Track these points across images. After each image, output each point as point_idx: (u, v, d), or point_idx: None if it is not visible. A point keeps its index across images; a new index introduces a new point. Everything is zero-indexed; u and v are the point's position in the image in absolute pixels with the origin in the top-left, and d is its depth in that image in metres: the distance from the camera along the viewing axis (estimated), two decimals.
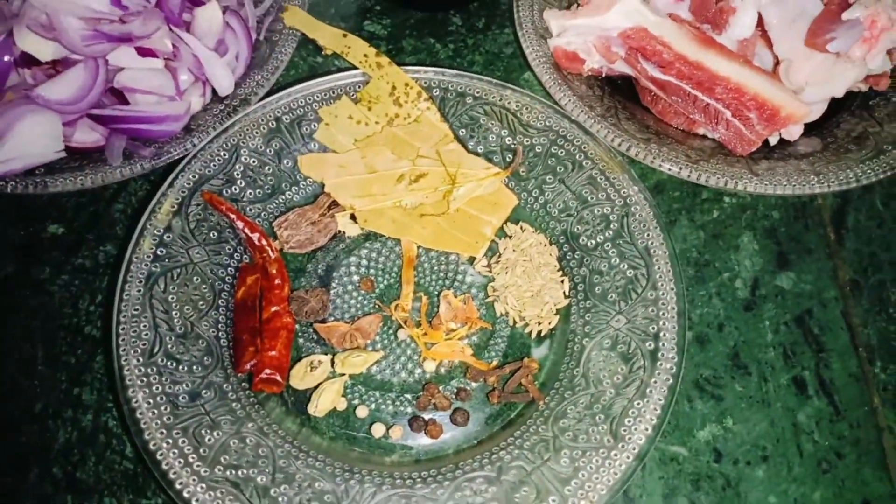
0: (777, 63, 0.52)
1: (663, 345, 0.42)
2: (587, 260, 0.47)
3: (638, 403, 0.41)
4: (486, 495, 0.39)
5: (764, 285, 0.50)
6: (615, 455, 0.39)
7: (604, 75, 0.55)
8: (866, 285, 0.50)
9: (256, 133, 0.49)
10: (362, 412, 0.44)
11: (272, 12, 0.57)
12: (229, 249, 0.47)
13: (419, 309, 0.47)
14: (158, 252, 0.44)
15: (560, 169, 0.49)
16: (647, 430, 0.40)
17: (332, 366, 0.45)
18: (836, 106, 0.54)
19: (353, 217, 0.48)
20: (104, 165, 0.49)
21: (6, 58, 0.48)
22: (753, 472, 0.44)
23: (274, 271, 0.46)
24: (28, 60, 0.48)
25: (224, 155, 0.48)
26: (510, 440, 0.42)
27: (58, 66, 0.49)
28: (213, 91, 0.53)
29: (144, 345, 0.42)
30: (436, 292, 0.48)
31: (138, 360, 0.41)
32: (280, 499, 0.38)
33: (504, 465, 0.40)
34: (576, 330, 0.45)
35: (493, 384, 0.45)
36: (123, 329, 0.42)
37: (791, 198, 0.53)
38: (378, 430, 0.43)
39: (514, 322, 0.47)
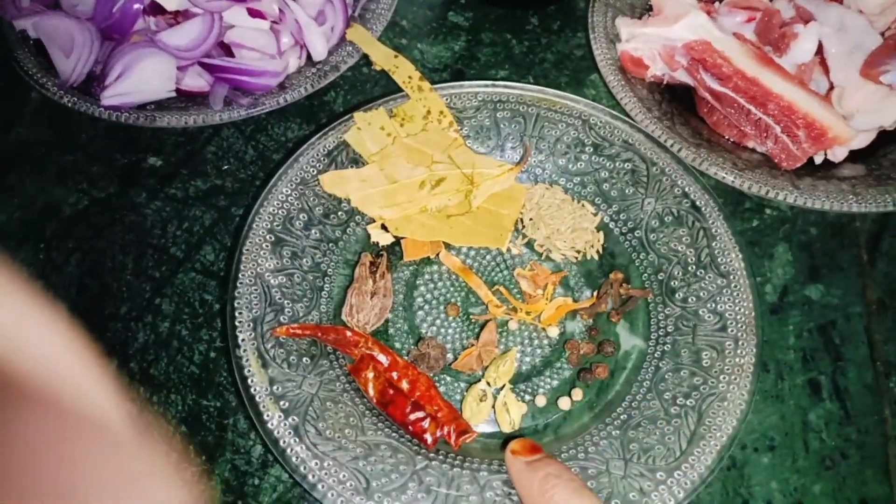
0: (831, 89, 0.55)
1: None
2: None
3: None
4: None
5: (793, 293, 0.53)
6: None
7: (665, 83, 0.59)
8: (892, 305, 0.53)
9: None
10: (541, 400, 0.48)
11: None
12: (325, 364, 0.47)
13: (505, 300, 0.51)
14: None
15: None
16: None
17: (490, 386, 0.48)
18: (885, 138, 0.57)
19: (383, 227, 0.51)
20: (206, 108, 0.55)
21: (136, 6, 0.55)
22: (760, 458, 0.47)
23: (378, 353, 0.46)
24: (154, 9, 0.55)
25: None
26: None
27: (179, 17, 0.55)
28: (308, 55, 0.58)
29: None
30: (503, 280, 0.52)
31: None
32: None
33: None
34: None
35: (603, 310, 0.50)
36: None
37: (830, 217, 0.56)
38: (565, 402, 0.47)
39: (576, 258, 0.52)
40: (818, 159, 0.55)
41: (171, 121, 0.54)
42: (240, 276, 0.46)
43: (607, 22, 0.61)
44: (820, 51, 0.56)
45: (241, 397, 0.45)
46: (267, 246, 0.48)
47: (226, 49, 0.56)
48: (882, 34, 0.56)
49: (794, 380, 0.50)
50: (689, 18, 0.55)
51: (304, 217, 0.50)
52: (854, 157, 0.57)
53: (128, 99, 0.54)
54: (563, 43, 0.67)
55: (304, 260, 0.49)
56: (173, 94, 0.55)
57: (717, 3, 0.60)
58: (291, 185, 0.50)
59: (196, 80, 0.56)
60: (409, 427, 0.44)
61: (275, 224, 0.48)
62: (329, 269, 0.49)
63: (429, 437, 0.44)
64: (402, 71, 0.57)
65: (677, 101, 0.59)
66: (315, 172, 0.51)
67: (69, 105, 0.56)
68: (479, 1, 0.68)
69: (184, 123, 0.55)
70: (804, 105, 0.52)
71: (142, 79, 0.54)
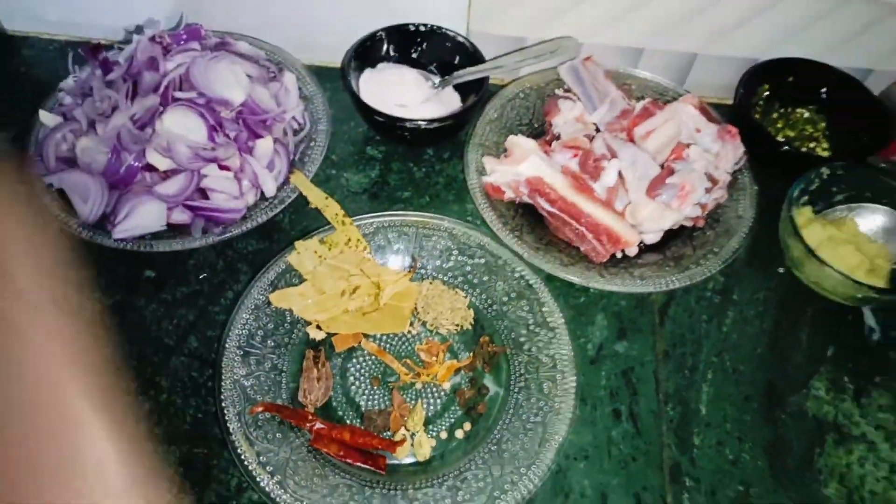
0: (629, 203, 0.80)
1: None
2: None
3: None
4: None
5: (606, 348, 0.77)
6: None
7: (518, 202, 0.83)
8: (673, 354, 0.77)
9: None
10: (443, 434, 0.70)
11: (305, 141, 0.86)
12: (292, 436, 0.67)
13: (411, 368, 0.73)
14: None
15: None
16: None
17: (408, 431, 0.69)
18: (674, 234, 0.82)
19: (318, 326, 0.73)
20: (189, 236, 0.77)
21: (137, 164, 0.76)
22: (578, 464, 0.69)
23: (320, 424, 0.67)
24: (150, 167, 0.77)
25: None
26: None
27: (168, 173, 0.77)
28: (262, 192, 0.81)
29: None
30: (408, 353, 0.74)
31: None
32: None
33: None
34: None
35: (478, 364, 0.73)
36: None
37: (633, 294, 0.80)
38: (459, 433, 0.70)
39: (456, 329, 0.75)
40: (618, 255, 0.80)
41: (163, 247, 0.76)
42: (222, 384, 0.68)
43: (477, 157, 0.85)
44: (621, 177, 0.81)
45: (225, 447, 0.66)
46: (238, 359, 0.69)
47: (201, 191, 0.78)
48: (661, 165, 0.82)
49: (604, 409, 0.73)
50: (529, 161, 0.79)
51: (260, 332, 0.72)
52: (651, 248, 0.81)
53: (132, 233, 0.75)
54: (452, 168, 0.91)
55: (266, 364, 0.71)
56: (164, 227, 0.77)
57: (553, 144, 0.85)
58: (248, 310, 0.72)
59: (181, 216, 0.78)
60: (364, 456, 0.66)
61: (241, 342, 0.70)
62: (283, 366, 0.71)
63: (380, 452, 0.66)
64: (331, 209, 0.80)
65: (529, 214, 0.83)
66: (264, 298, 0.73)
67: (86, 238, 0.76)
68: (388, 140, 0.92)
69: (172, 248, 0.76)
70: (605, 220, 0.77)
71: (142, 218, 0.75)
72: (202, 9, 0.94)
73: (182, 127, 0.75)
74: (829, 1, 0.85)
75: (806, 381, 0.75)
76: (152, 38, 0.78)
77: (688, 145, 0.80)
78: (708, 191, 0.78)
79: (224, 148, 0.76)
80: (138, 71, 0.76)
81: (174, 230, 0.78)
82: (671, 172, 0.78)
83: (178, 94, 0.76)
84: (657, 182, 0.79)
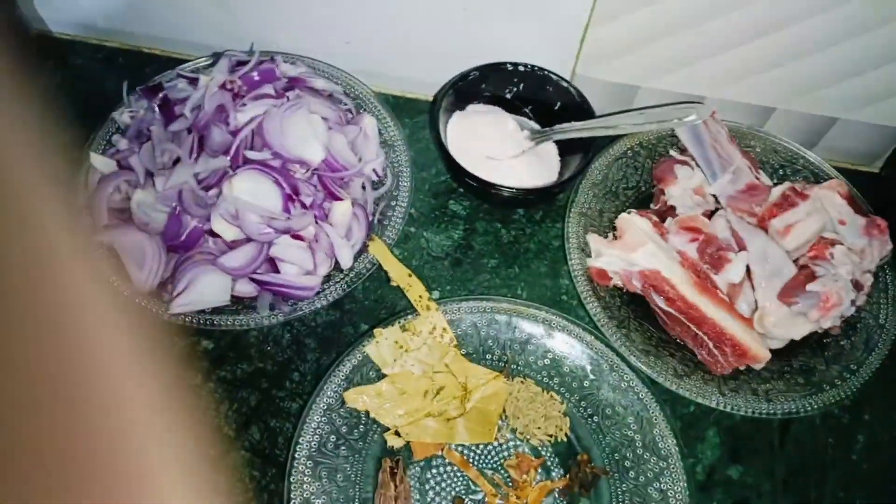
0: (756, 307, 0.70)
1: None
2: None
3: None
4: None
5: (717, 472, 0.67)
6: None
7: (624, 290, 0.73)
8: (794, 484, 0.67)
9: None
10: None
11: (386, 197, 0.76)
12: None
13: (499, 486, 0.64)
14: None
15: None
16: None
17: None
18: (797, 344, 0.71)
19: (396, 432, 0.64)
20: (254, 312, 0.68)
21: (201, 226, 0.67)
22: None
23: None
24: (215, 233, 0.67)
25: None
26: None
27: (234, 241, 0.68)
28: (337, 262, 0.71)
29: None
30: (495, 465, 0.65)
31: None
32: None
33: None
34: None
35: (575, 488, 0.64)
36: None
37: None
38: None
39: (549, 441, 0.66)
40: (741, 367, 0.70)
41: (226, 324, 0.67)
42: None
43: (580, 233, 0.74)
44: (748, 272, 0.70)
45: None
46: (308, 472, 0.61)
47: (270, 261, 0.69)
48: (796, 262, 0.71)
49: None
50: (645, 249, 0.69)
51: (333, 438, 0.63)
52: (773, 353, 0.71)
53: (189, 308, 0.66)
54: (544, 233, 0.80)
55: (339, 475, 0.62)
56: (228, 302, 0.68)
57: (667, 223, 0.74)
58: (320, 413, 0.63)
59: (246, 287, 0.69)
60: None
61: (312, 451, 0.62)
62: (355, 476, 0.63)
63: None
64: (415, 290, 0.71)
65: (636, 304, 0.73)
66: (337, 398, 0.64)
67: (141, 305, 0.68)
68: (476, 197, 0.81)
69: (235, 326, 0.67)
70: (731, 329, 0.67)
71: (203, 291, 0.66)
72: (265, 22, 0.83)
73: (253, 193, 0.65)
74: None
75: None
76: (223, 85, 0.67)
77: (832, 242, 0.69)
78: (854, 302, 0.67)
79: (299, 218, 0.66)
80: (205, 125, 0.65)
81: (238, 301, 0.69)
82: (812, 277, 0.67)
83: (251, 155, 0.66)
84: (794, 286, 0.68)
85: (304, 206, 0.66)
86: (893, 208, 0.76)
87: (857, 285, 0.68)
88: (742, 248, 0.71)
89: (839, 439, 0.70)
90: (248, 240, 0.67)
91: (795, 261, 0.71)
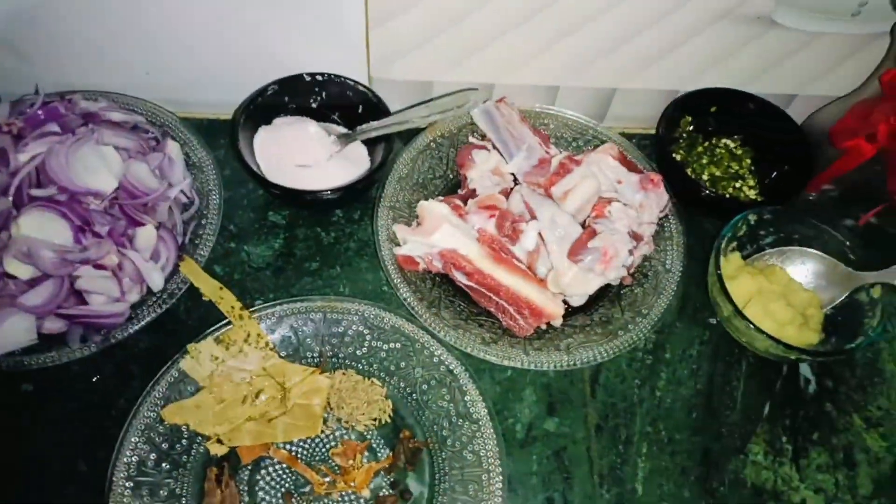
0: (551, 269, 0.75)
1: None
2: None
3: None
4: None
5: (536, 428, 0.72)
6: None
7: (433, 273, 0.77)
8: (606, 427, 0.73)
9: None
10: None
11: (195, 219, 0.78)
12: None
13: (326, 473, 0.67)
14: None
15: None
16: None
17: None
18: (600, 292, 0.77)
19: (219, 440, 0.66)
20: (66, 346, 0.68)
21: None
22: None
23: None
24: (12, 275, 0.68)
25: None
26: None
27: (33, 280, 0.68)
28: (148, 286, 0.72)
29: None
30: (323, 457, 0.68)
31: None
32: None
33: None
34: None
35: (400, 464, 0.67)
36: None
37: None
38: None
39: (374, 425, 0.69)
40: (543, 326, 0.74)
41: (37, 362, 0.67)
42: None
43: (388, 225, 0.78)
44: (542, 238, 0.75)
45: None
46: (128, 493, 0.62)
47: (77, 294, 0.70)
48: (583, 223, 0.77)
49: (536, 498, 0.68)
50: (441, 230, 0.73)
51: (153, 456, 0.64)
52: (577, 310, 0.77)
53: None
54: (363, 231, 0.84)
55: (162, 491, 0.63)
56: (36, 340, 0.68)
57: (467, 204, 0.78)
58: (137, 433, 0.64)
59: (55, 324, 0.69)
60: None
61: (131, 472, 0.63)
62: (182, 490, 0.64)
63: None
64: (226, 301, 0.73)
65: (447, 283, 0.77)
66: (155, 416, 0.65)
67: None
68: (291, 206, 0.84)
69: (47, 363, 0.67)
70: (525, 292, 0.72)
71: (6, 334, 0.66)
72: (63, 66, 0.84)
73: (42, 230, 0.66)
74: (748, 30, 0.80)
75: (743, 445, 0.72)
76: None
77: (609, 201, 0.75)
78: (632, 252, 0.74)
79: (96, 247, 0.67)
80: None
81: (48, 338, 0.69)
82: (593, 234, 0.73)
83: (35, 193, 0.66)
84: (579, 245, 0.73)
85: (97, 235, 0.67)
86: (669, 163, 0.83)
87: (635, 237, 0.75)
88: (533, 217, 0.76)
89: (644, 380, 0.76)
90: (47, 276, 0.67)
91: (583, 223, 0.77)
